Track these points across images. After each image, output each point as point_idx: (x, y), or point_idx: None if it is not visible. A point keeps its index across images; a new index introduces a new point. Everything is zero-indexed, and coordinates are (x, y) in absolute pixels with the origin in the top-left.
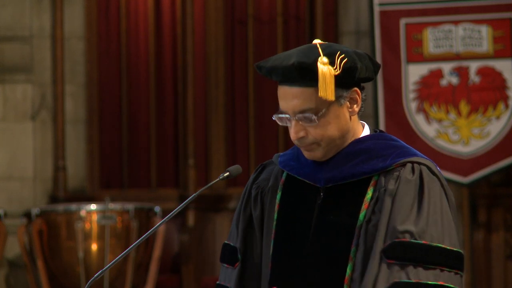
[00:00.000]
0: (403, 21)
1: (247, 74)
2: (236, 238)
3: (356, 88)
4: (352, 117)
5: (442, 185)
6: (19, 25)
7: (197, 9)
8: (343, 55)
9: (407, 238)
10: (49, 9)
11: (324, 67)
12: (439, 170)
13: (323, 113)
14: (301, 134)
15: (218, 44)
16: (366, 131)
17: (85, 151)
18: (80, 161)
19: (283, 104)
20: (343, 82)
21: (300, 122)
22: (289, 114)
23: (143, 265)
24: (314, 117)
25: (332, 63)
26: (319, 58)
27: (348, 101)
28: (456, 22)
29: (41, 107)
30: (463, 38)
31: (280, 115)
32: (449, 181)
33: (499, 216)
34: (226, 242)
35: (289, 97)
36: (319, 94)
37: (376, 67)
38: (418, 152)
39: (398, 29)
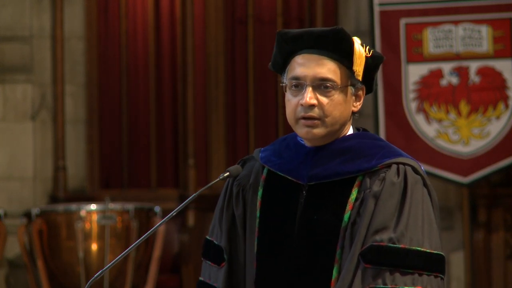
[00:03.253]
0: (403, 21)
1: (247, 74)
2: (220, 237)
3: (364, 87)
4: (351, 114)
5: (425, 185)
6: (19, 25)
7: (197, 9)
8: (368, 47)
9: (385, 242)
10: (49, 9)
11: (359, 45)
12: (423, 170)
13: (339, 89)
14: (314, 101)
15: (218, 44)
16: (350, 129)
17: (85, 151)
18: (80, 161)
19: (303, 70)
20: (364, 70)
21: (315, 91)
22: (306, 81)
23: (143, 265)
24: (331, 88)
25: (362, 45)
26: (354, 37)
27: (355, 95)
28: (456, 22)
29: (41, 107)
30: (463, 38)
31: (294, 81)
32: (449, 181)
33: (499, 216)
34: (208, 238)
35: (313, 64)
36: (354, 67)
37: (376, 84)
38: (402, 152)
39: (398, 29)
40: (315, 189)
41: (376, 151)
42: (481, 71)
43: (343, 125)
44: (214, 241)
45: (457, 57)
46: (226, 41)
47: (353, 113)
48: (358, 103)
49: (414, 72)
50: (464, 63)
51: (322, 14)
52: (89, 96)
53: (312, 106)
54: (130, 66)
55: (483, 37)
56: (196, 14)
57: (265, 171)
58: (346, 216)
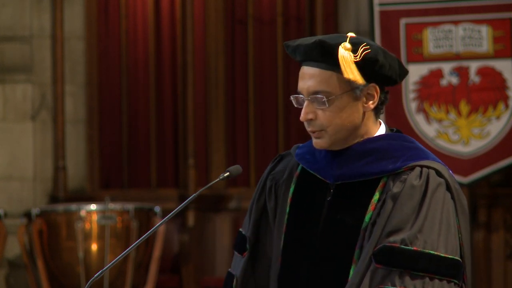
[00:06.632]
0: (403, 21)
1: (247, 74)
2: (248, 227)
3: (374, 84)
4: (366, 113)
5: (449, 189)
6: (19, 25)
7: (197, 9)
8: (367, 46)
9: (398, 243)
10: (49, 9)
11: (345, 52)
12: (451, 173)
13: (335, 98)
14: (310, 116)
15: (218, 44)
16: (381, 130)
17: (85, 151)
18: (80, 161)
19: (300, 84)
20: (362, 73)
21: (312, 104)
22: (303, 94)
23: (143, 265)
24: (325, 99)
25: (354, 50)
26: (343, 43)
27: (365, 95)
28: (456, 22)
29: (41, 107)
30: (463, 38)
31: (297, 95)
32: None
33: (499, 216)
34: (240, 230)
35: (307, 77)
36: (345, 76)
37: (402, 71)
38: (430, 155)
39: (398, 29)
40: (341, 189)
41: (403, 153)
42: (481, 71)
43: (356, 129)
44: (242, 232)
45: (457, 57)
46: (226, 41)
47: (375, 109)
48: (370, 102)
49: (414, 72)
50: (464, 63)
51: (322, 14)
52: (89, 96)
53: (310, 120)
54: (130, 66)
55: (483, 37)
56: (196, 14)
57: (299, 168)
58: (367, 217)
